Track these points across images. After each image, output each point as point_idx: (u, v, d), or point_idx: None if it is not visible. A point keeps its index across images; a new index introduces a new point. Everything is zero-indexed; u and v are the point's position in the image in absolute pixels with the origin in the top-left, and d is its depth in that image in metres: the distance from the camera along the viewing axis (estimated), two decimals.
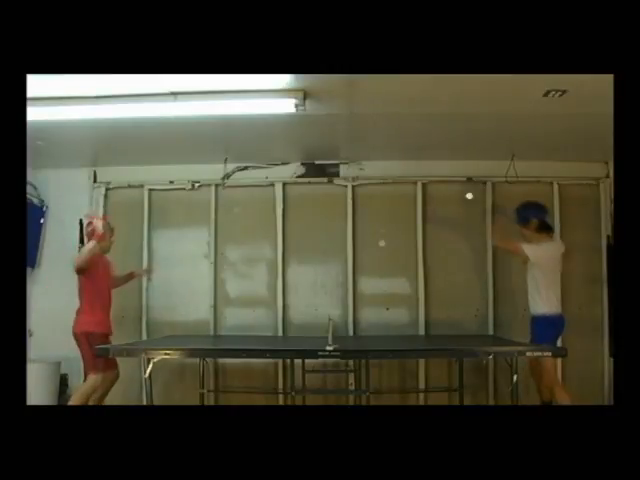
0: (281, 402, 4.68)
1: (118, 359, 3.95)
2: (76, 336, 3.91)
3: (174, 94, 3.24)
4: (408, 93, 3.32)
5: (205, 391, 4.53)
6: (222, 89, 3.20)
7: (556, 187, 4.86)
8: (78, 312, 3.99)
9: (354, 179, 4.93)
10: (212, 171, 4.93)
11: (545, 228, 4.00)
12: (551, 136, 4.18)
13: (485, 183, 4.88)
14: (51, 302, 4.75)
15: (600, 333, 4.72)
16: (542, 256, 3.93)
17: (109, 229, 4.08)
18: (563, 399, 3.72)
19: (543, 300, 3.89)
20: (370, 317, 4.87)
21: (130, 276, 4.50)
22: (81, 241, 4.86)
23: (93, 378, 3.86)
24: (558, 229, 4.78)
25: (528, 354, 3.23)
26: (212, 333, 4.86)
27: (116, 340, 4.07)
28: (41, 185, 4.91)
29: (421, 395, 4.78)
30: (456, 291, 4.86)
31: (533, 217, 3.98)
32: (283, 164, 4.95)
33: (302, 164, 4.95)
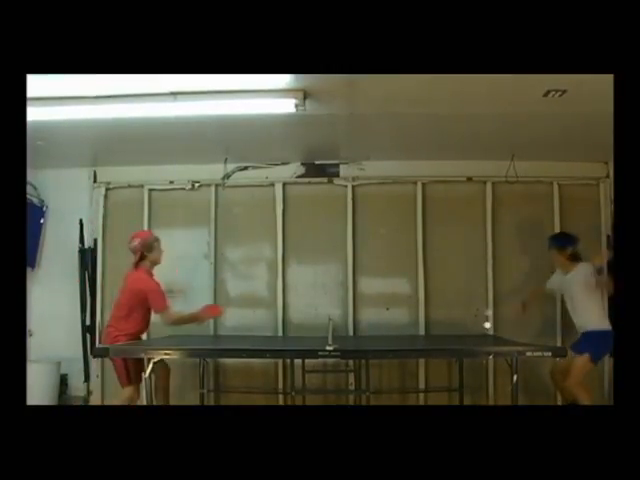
0: (281, 402, 4.68)
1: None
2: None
3: (174, 94, 3.24)
4: (408, 93, 3.32)
5: (205, 391, 4.53)
6: (222, 89, 3.19)
7: (556, 187, 4.87)
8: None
9: (354, 179, 4.93)
10: (212, 171, 4.93)
11: (576, 258, 4.25)
12: (551, 136, 4.18)
13: (485, 183, 4.88)
14: (51, 302, 4.75)
15: None
16: (566, 282, 4.24)
17: (156, 241, 4.05)
18: (584, 399, 3.88)
19: (582, 318, 4.17)
20: (370, 317, 4.87)
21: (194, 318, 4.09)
22: (81, 241, 4.87)
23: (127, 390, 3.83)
24: (558, 229, 4.79)
25: (528, 354, 3.22)
26: (212, 333, 4.86)
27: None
28: (41, 185, 4.91)
29: (421, 395, 4.79)
30: (456, 291, 4.86)
31: (569, 245, 4.26)
32: (283, 164, 4.95)
33: (302, 164, 4.95)
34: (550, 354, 3.26)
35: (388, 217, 4.95)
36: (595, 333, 4.01)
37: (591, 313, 4.11)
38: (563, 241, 4.32)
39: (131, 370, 3.74)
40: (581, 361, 3.96)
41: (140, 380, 3.75)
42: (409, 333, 4.76)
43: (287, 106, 3.34)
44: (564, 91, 3.24)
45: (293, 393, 4.30)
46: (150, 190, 5.00)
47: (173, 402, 4.55)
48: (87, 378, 4.81)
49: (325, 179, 4.96)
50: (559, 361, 3.96)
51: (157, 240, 4.05)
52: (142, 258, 3.94)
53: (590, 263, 4.17)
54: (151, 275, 3.97)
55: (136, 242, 3.96)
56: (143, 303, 3.86)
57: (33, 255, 4.83)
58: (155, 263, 4.01)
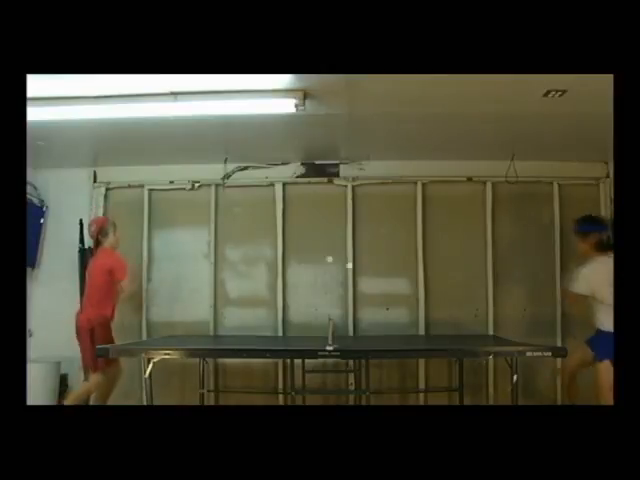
0: (281, 402, 4.68)
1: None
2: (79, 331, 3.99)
3: (174, 94, 3.24)
4: (408, 93, 3.32)
5: (205, 391, 4.53)
6: (222, 89, 3.20)
7: (556, 187, 4.87)
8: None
9: (354, 179, 4.92)
10: (212, 171, 4.93)
11: (602, 247, 3.67)
12: (551, 136, 4.17)
13: (485, 183, 4.88)
14: (51, 302, 4.75)
15: None
16: (592, 282, 3.62)
17: (113, 226, 4.16)
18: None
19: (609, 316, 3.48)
20: (370, 317, 4.87)
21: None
22: (81, 241, 4.87)
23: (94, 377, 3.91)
24: (558, 229, 4.79)
25: (528, 354, 3.22)
26: (212, 333, 4.86)
27: (116, 340, 4.07)
28: (41, 185, 4.91)
29: (421, 395, 4.79)
30: (456, 291, 4.86)
31: (593, 232, 3.73)
32: (283, 164, 4.95)
33: (302, 164, 4.95)
34: (550, 354, 3.26)
35: (388, 217, 4.95)
36: (606, 334, 3.44)
37: (609, 311, 3.36)
38: (587, 226, 3.79)
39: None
40: (605, 369, 3.51)
41: (106, 367, 3.90)
42: (409, 333, 4.76)
43: (287, 106, 3.34)
44: (564, 91, 3.24)
45: (293, 393, 4.30)
46: (150, 190, 5.00)
47: (173, 402, 4.56)
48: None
49: (325, 179, 4.95)
50: (570, 358, 3.67)
51: (113, 226, 4.14)
52: (98, 243, 4.10)
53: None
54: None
55: (92, 228, 4.14)
56: (111, 281, 3.97)
57: (33, 255, 4.82)
58: (113, 248, 4.11)
